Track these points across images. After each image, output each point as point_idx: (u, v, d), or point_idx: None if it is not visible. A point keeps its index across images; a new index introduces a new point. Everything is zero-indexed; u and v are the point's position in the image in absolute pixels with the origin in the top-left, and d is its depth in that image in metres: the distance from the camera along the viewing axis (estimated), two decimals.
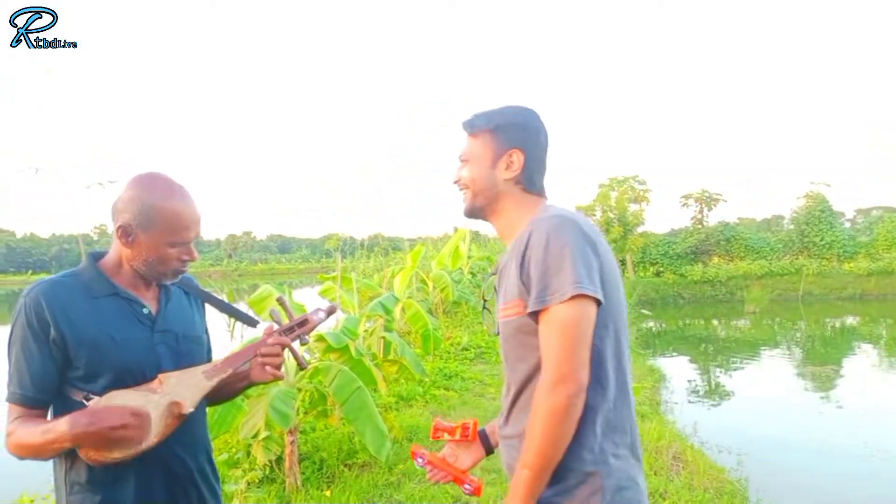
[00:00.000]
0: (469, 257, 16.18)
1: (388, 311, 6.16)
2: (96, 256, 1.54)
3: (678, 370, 10.45)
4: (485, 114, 1.54)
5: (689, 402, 8.35)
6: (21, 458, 1.38)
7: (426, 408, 6.23)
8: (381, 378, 5.33)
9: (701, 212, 25.22)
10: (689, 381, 9.87)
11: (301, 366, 1.70)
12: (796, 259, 22.35)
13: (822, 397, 8.82)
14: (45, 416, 1.42)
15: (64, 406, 1.42)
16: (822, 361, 11.51)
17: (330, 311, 1.72)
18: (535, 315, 1.32)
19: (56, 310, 1.39)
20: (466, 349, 9.54)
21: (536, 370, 1.34)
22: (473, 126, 1.54)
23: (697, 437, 6.03)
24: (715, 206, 25.11)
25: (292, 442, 4.05)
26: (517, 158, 1.48)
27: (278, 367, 1.58)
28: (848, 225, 24.68)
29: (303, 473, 4.17)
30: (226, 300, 1.79)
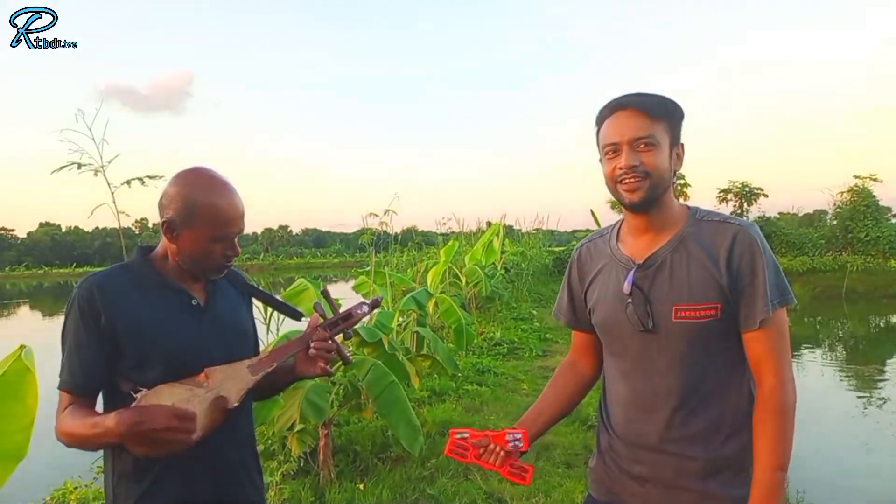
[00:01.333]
0: (503, 252, 16.14)
1: (421, 306, 6.17)
2: (146, 250, 1.57)
3: None
4: (659, 98, 1.44)
5: None
6: (69, 446, 1.41)
7: (459, 403, 6.23)
8: (414, 373, 5.35)
9: (740, 207, 24.64)
10: None
11: (345, 361, 1.69)
12: (840, 255, 21.72)
13: (869, 400, 8.56)
14: (93, 405, 1.45)
15: (113, 396, 1.46)
16: (866, 361, 11.18)
17: (374, 305, 1.70)
18: (738, 319, 1.38)
19: (107, 300, 1.42)
20: (499, 344, 9.52)
21: (713, 372, 1.41)
22: (656, 110, 1.42)
23: None
24: (755, 200, 24.51)
25: (326, 435, 4.09)
26: (683, 152, 1.48)
27: (329, 363, 1.59)
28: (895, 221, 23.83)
29: (337, 466, 4.21)
30: (271, 294, 1.82)
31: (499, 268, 14.99)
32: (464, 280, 11.87)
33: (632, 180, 1.41)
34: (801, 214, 27.89)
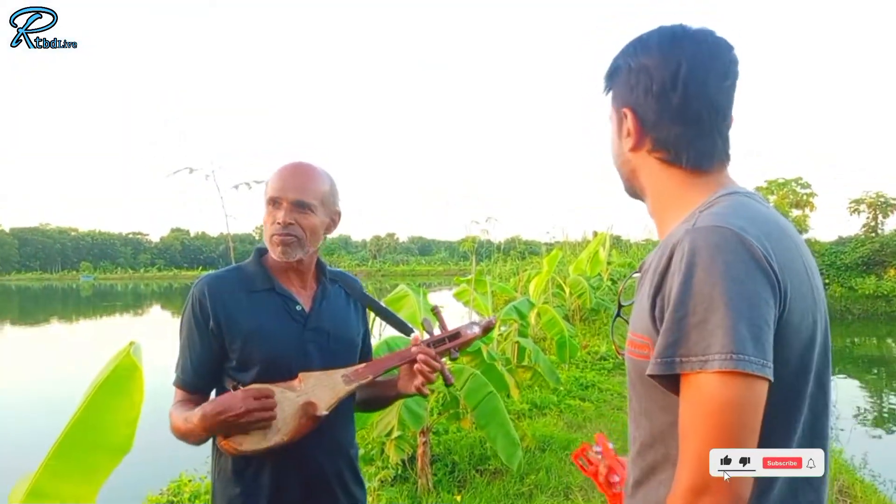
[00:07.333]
0: (609, 263, 15.66)
1: (522, 316, 6.06)
2: (262, 251, 1.58)
3: (845, 394, 9.39)
4: (620, 52, 1.05)
5: (858, 430, 7.47)
6: (178, 439, 1.46)
7: (560, 417, 6.05)
8: (514, 384, 5.25)
9: (875, 218, 22.62)
10: (857, 406, 8.85)
11: (447, 381, 1.59)
12: None
13: None
14: (202, 401, 1.48)
15: (220, 393, 1.49)
16: None
17: (486, 328, 1.60)
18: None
19: (216, 301, 1.47)
20: (604, 359, 9.21)
21: (661, 436, 0.92)
22: (606, 76, 1.08)
23: (868, 470, 5.36)
24: (892, 212, 22.42)
25: (424, 443, 4.07)
26: (630, 121, 1.01)
27: (428, 382, 1.51)
28: None
29: (434, 475, 4.18)
30: (384, 305, 1.79)
31: (605, 279, 14.55)
32: (567, 291, 11.62)
33: None
34: None
